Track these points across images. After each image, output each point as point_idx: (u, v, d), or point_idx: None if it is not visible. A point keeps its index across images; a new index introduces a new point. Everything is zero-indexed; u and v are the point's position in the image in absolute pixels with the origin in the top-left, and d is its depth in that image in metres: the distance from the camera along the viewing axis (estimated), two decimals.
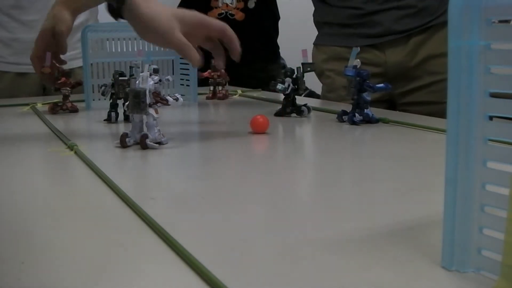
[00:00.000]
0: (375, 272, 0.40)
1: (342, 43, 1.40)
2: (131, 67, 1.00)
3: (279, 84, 1.06)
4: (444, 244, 0.39)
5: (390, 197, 0.59)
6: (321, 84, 1.53)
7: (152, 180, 0.70)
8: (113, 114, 1.05)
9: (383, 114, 1.04)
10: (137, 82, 0.81)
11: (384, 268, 0.41)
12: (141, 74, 0.81)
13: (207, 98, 1.40)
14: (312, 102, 1.23)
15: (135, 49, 1.27)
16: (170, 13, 0.89)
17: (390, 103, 1.39)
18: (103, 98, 1.10)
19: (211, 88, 1.40)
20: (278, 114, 1.10)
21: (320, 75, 1.49)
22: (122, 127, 1.02)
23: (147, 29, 0.89)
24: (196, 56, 0.89)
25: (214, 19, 0.99)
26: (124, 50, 1.28)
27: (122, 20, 0.93)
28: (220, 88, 1.40)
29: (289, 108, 1.10)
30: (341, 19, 1.41)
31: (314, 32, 1.51)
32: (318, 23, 1.50)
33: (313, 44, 1.51)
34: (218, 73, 1.38)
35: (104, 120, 1.05)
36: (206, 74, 1.37)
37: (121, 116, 1.05)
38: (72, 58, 1.49)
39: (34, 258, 0.43)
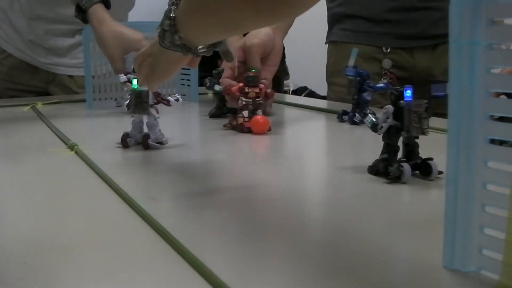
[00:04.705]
0: (375, 272, 0.40)
1: (371, 42, 1.25)
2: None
3: (216, 85, 1.04)
4: (445, 244, 0.39)
5: (390, 197, 0.59)
6: (319, 84, 1.45)
7: (153, 180, 0.70)
8: None
9: None
10: None
11: (384, 267, 0.41)
12: None
13: (232, 126, 0.97)
14: (312, 102, 1.23)
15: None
16: (113, 36, 1.12)
17: None
18: (103, 98, 1.10)
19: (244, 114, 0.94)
20: (214, 115, 1.08)
21: (334, 75, 1.30)
22: (123, 127, 1.02)
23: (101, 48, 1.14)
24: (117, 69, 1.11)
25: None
26: None
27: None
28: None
29: (225, 108, 1.08)
30: (375, 13, 1.24)
31: (315, 32, 1.46)
32: (338, 15, 1.31)
33: (330, 41, 1.34)
34: (258, 90, 0.94)
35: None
36: (235, 89, 0.95)
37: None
38: (74, 66, 1.49)
39: (36, 258, 0.43)
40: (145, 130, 0.82)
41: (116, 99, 1.12)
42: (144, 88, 0.80)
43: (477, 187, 0.37)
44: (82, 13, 1.15)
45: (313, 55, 1.31)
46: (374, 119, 0.65)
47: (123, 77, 1.08)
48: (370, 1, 1.25)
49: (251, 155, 0.85)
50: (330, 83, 1.36)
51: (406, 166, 0.62)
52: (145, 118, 0.82)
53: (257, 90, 0.94)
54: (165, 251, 0.44)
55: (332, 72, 1.33)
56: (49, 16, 1.43)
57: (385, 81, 0.93)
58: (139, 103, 0.81)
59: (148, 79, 0.74)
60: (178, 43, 0.63)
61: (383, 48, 1.25)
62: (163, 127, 0.83)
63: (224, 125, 0.98)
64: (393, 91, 0.63)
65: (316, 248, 0.45)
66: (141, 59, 0.75)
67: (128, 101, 0.83)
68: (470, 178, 0.37)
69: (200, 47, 0.64)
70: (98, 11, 1.14)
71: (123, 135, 0.82)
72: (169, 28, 0.62)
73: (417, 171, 0.64)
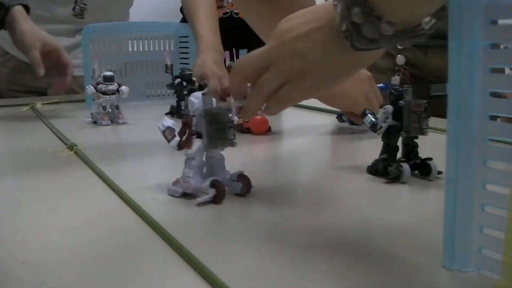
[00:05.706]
0: (375, 272, 0.40)
1: None
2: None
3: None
4: (444, 244, 0.39)
5: (390, 197, 0.60)
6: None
7: (152, 180, 0.70)
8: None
9: None
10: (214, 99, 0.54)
11: (385, 267, 0.41)
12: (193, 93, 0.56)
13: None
14: (311, 102, 1.23)
15: (135, 49, 1.27)
16: (35, 30, 1.21)
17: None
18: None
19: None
20: (169, 113, 1.11)
21: None
22: (124, 129, 1.02)
23: (17, 41, 1.21)
24: (39, 72, 1.17)
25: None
26: (124, 50, 1.28)
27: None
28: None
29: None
30: None
31: None
32: None
33: None
34: None
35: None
36: None
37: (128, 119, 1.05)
38: (75, 66, 1.49)
39: (35, 258, 0.43)
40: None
41: (91, 114, 1.06)
42: (223, 107, 0.54)
43: (476, 187, 0.37)
44: (3, 11, 1.21)
45: None
46: (373, 119, 0.65)
47: (90, 89, 1.03)
48: None
49: (250, 155, 0.85)
50: None
51: (406, 166, 0.62)
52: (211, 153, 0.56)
53: None
54: (164, 251, 0.44)
55: None
56: (46, 16, 1.44)
57: (399, 77, 0.92)
58: (220, 130, 0.52)
59: (282, 100, 0.51)
60: (389, 34, 0.42)
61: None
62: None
63: None
64: (392, 91, 0.63)
65: (315, 247, 0.45)
66: (248, 70, 0.51)
67: (166, 126, 0.55)
68: (469, 178, 0.37)
69: (426, 19, 0.43)
70: (21, 10, 1.23)
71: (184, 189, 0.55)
72: (364, 18, 0.42)
73: (417, 171, 0.64)
